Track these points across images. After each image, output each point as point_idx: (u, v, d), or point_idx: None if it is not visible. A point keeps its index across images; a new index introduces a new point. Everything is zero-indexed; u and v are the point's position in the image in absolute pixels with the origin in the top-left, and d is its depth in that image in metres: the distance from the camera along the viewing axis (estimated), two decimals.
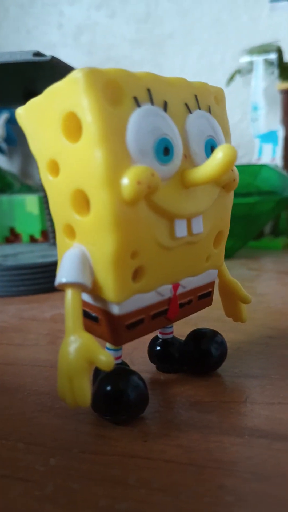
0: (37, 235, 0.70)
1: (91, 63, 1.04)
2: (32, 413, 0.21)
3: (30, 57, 0.39)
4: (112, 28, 1.02)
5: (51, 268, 0.48)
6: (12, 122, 1.09)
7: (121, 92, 0.18)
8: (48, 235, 0.67)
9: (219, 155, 0.18)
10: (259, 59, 0.76)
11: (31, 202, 0.70)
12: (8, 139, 1.11)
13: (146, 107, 0.18)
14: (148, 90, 0.19)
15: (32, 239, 0.71)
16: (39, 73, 0.45)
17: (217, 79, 0.89)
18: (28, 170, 1.14)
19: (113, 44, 1.02)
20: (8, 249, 0.60)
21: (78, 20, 1.05)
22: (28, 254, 0.55)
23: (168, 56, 0.95)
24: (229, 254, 0.63)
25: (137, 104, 0.18)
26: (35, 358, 0.29)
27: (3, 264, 0.47)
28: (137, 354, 0.28)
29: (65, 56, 1.07)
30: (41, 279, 0.48)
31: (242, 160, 0.89)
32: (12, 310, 0.41)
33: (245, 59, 0.78)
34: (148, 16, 0.96)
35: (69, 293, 0.18)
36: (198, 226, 0.21)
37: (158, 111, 0.19)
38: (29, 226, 0.70)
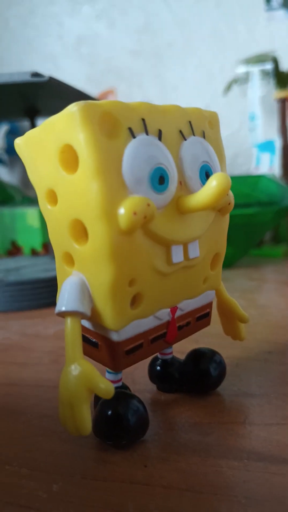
0: (39, 248, 0.71)
1: (92, 74, 1.05)
2: (35, 437, 0.22)
3: (28, 78, 0.39)
4: (112, 39, 1.02)
5: (53, 282, 0.48)
6: (13, 132, 1.10)
7: (116, 124, 0.18)
8: (49, 247, 0.68)
9: (213, 183, 0.18)
10: (255, 70, 0.77)
11: (32, 215, 0.70)
12: (9, 150, 1.11)
13: (140, 137, 0.19)
14: (143, 120, 0.19)
15: (34, 252, 0.71)
16: (39, 91, 0.45)
17: (215, 89, 0.90)
18: (29, 180, 1.15)
19: (113, 55, 1.02)
20: (11, 262, 0.61)
21: (78, 31, 1.06)
22: (30, 268, 0.56)
23: (168, 67, 0.96)
24: (230, 263, 0.63)
25: (132, 135, 0.18)
26: (39, 377, 0.29)
27: (5, 280, 0.48)
28: (138, 373, 0.28)
29: (66, 68, 1.08)
30: (44, 294, 0.48)
31: (242, 168, 0.89)
32: (16, 326, 0.42)
33: (242, 69, 0.79)
34: (147, 27, 0.97)
35: (69, 321, 0.19)
36: (195, 250, 0.21)
37: (153, 140, 0.19)
38: (30, 239, 0.71)
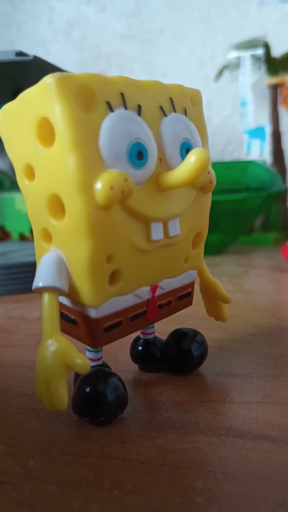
0: (27, 233, 0.70)
1: (83, 59, 1.04)
2: (14, 416, 0.22)
3: (12, 57, 0.38)
4: (102, 24, 1.01)
5: None
6: None
7: (93, 97, 0.18)
8: None
9: (192, 159, 0.18)
10: (246, 55, 0.76)
11: (20, 200, 0.70)
12: None
13: (119, 111, 0.18)
14: (122, 94, 0.19)
15: (22, 237, 0.71)
16: (24, 72, 0.45)
17: (207, 74, 0.89)
18: None
19: (104, 39, 1.01)
20: None
21: (68, 15, 1.04)
22: (18, 253, 0.55)
23: (159, 52, 0.95)
24: (219, 250, 0.63)
25: (110, 109, 0.18)
26: (21, 359, 0.29)
27: None
28: (121, 353, 0.28)
29: (56, 52, 1.06)
30: (30, 278, 0.48)
31: (233, 154, 0.89)
32: (1, 309, 0.41)
33: (233, 54, 0.78)
34: (138, 12, 0.96)
35: (46, 297, 0.18)
36: (175, 228, 0.21)
37: (132, 115, 0.19)
38: (18, 224, 0.70)
